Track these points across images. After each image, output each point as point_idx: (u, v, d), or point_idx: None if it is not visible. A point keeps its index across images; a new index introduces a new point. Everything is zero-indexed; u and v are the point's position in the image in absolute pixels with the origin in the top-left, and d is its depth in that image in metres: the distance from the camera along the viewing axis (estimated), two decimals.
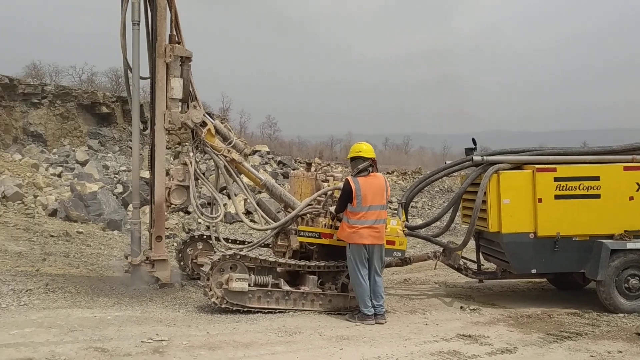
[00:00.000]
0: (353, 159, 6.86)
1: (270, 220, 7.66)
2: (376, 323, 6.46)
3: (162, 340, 5.29)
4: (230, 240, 8.41)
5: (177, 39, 7.53)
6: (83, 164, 22.04)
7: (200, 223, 13.19)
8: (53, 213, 13.84)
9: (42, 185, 16.28)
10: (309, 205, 7.32)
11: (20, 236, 10.89)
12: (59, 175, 19.31)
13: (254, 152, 27.83)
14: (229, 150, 7.62)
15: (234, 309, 6.52)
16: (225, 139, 7.83)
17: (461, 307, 7.48)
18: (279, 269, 6.96)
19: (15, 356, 4.63)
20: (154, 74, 7.50)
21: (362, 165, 6.71)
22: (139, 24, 7.39)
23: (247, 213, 14.00)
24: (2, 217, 12.48)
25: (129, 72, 7.72)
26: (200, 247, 8.43)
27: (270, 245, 7.88)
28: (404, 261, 8.11)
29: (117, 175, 21.03)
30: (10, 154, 20.72)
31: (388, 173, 39.25)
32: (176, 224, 13.65)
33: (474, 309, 7.37)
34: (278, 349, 5.32)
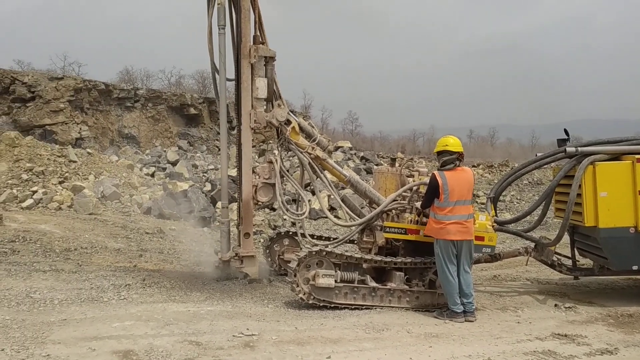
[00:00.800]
0: (440, 152, 6.73)
1: (355, 217, 7.66)
2: (466, 321, 6.31)
3: (252, 334, 5.42)
4: (315, 237, 8.49)
5: (260, 40, 7.67)
6: (174, 163, 22.99)
7: (286, 220, 13.43)
8: (147, 211, 14.56)
9: (137, 185, 17.15)
10: (394, 200, 7.26)
11: (118, 233, 11.52)
12: (152, 175, 20.27)
13: (337, 148, 27.97)
14: (313, 148, 7.69)
15: (321, 304, 6.58)
16: (309, 136, 7.91)
17: (555, 305, 7.16)
18: (365, 266, 6.95)
19: (117, 347, 4.89)
20: (239, 74, 7.69)
21: (449, 159, 6.57)
22: (224, 28, 7.59)
23: (332, 209, 14.09)
24: (102, 216, 13.27)
25: (216, 74, 7.96)
26: (287, 243, 8.57)
27: (356, 242, 7.88)
28: (494, 257, 7.88)
29: (205, 174, 21.80)
30: (108, 156, 21.97)
31: (474, 166, 38.29)
32: (262, 220, 13.96)
33: (569, 307, 7.04)
34: (366, 346, 5.31)
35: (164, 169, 21.99)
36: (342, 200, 7.93)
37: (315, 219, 15.00)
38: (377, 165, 23.33)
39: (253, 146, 8.70)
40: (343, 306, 6.64)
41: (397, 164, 7.87)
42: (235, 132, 8.16)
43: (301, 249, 7.86)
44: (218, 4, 7.47)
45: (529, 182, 26.02)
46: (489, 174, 33.25)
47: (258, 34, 7.72)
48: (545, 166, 8.85)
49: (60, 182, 15.43)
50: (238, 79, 7.74)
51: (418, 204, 7.00)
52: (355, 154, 27.88)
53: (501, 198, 20.65)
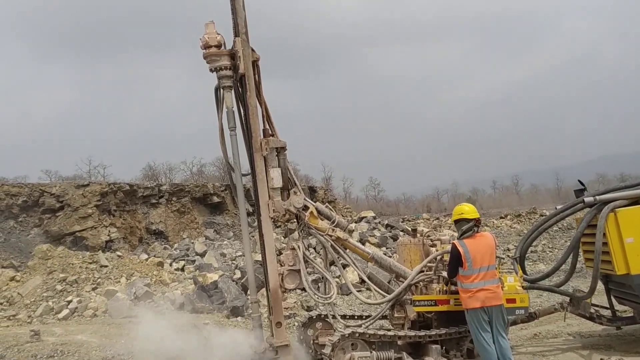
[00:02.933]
0: (457, 221, 6.80)
1: (384, 293, 7.65)
2: None
3: None
4: (347, 317, 8.45)
5: (270, 132, 7.97)
6: (202, 255, 23.18)
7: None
8: (180, 307, 14.61)
9: (168, 282, 17.31)
10: (420, 272, 7.28)
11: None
12: (182, 269, 20.44)
13: (361, 219, 28.01)
14: (333, 230, 7.80)
15: None
16: (328, 218, 8.04)
17: (601, 359, 6.97)
18: (400, 342, 6.89)
19: None
20: (253, 167, 7.93)
21: (467, 227, 6.62)
22: (234, 130, 7.89)
23: (362, 282, 13.99)
24: (137, 318, 13.35)
25: (231, 172, 8.23)
26: (320, 326, 8.52)
27: (388, 318, 7.84)
28: (530, 317, 7.77)
29: (234, 261, 21.90)
30: (137, 255, 22.29)
31: (501, 217, 37.86)
32: (295, 302, 13.91)
33: None
34: None
35: (193, 261, 22.15)
36: (369, 278, 7.96)
37: (347, 294, 14.88)
38: (402, 231, 23.25)
39: (278, 226, 8.86)
40: None
41: (418, 235, 7.93)
42: (254, 226, 8.33)
43: (335, 331, 7.82)
44: (226, 109, 7.80)
45: (560, 229, 25.60)
46: (518, 224, 32.81)
47: (267, 127, 8.02)
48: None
49: (93, 289, 15.67)
50: (254, 172, 7.99)
51: (444, 273, 7.00)
52: (380, 222, 27.85)
53: (532, 249, 20.33)
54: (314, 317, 8.67)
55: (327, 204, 8.38)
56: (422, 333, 6.87)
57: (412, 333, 6.88)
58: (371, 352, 6.60)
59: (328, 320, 8.46)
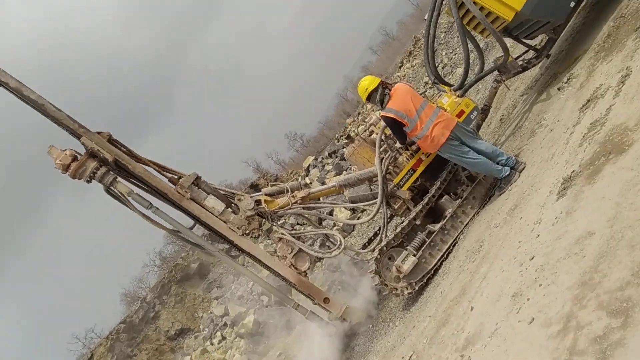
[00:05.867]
0: (369, 98, 6.84)
1: (373, 201, 7.73)
2: (518, 173, 6.31)
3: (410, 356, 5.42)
4: (366, 244, 8.57)
5: (177, 176, 7.72)
6: (224, 314, 22.98)
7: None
8: None
9: (224, 356, 17.10)
10: (380, 161, 7.31)
11: None
12: (224, 338, 20.20)
13: (307, 170, 28.10)
14: (293, 197, 7.77)
15: (425, 280, 6.63)
16: (280, 192, 7.98)
17: (558, 89, 7.20)
18: (418, 222, 7.02)
19: None
20: (192, 215, 7.74)
21: (379, 94, 6.68)
22: (150, 204, 7.55)
23: (352, 210, 14.13)
24: None
25: (180, 235, 8.01)
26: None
27: (394, 214, 7.95)
28: (484, 111, 7.96)
29: (253, 295, 21.76)
30: None
31: (400, 67, 38.59)
32: (324, 274, 13.96)
33: (567, 81, 7.08)
34: (471, 266, 5.30)
35: (225, 324, 21.88)
36: (352, 202, 8.01)
37: (353, 230, 15.02)
38: (343, 148, 23.47)
39: (257, 237, 8.79)
40: (439, 264, 6.69)
41: (355, 138, 7.96)
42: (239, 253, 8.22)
43: (367, 262, 7.93)
44: (129, 196, 7.43)
45: (445, 31, 26.17)
46: (414, 60, 33.52)
47: (169, 175, 7.77)
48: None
49: None
50: (196, 218, 7.79)
51: (398, 144, 7.08)
52: (322, 158, 28.04)
53: (440, 65, 20.81)
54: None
55: (271, 184, 8.28)
56: (424, 200, 6.98)
57: (418, 207, 7.00)
58: (406, 249, 6.69)
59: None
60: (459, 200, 6.88)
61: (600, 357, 2.63)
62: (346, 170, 21.60)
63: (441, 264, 6.66)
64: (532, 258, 4.24)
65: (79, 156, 7.20)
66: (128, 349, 28.28)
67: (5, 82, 7.01)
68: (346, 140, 8.41)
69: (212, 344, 20.71)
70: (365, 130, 8.03)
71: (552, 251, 4.00)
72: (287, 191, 7.91)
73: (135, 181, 7.81)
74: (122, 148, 7.56)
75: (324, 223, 8.36)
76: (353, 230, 14.71)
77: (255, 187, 36.19)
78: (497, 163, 6.40)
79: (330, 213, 8.80)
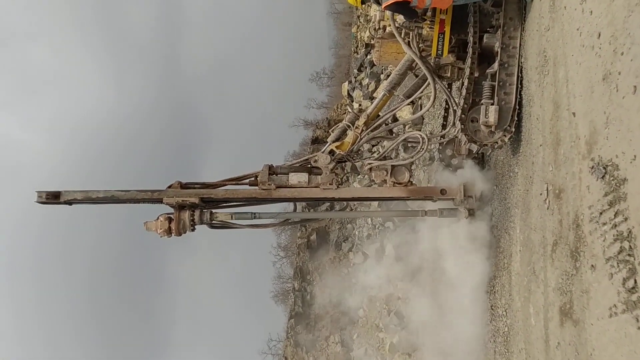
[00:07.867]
0: (363, 1, 6.73)
1: (426, 84, 7.65)
2: None
3: None
4: (444, 123, 8.57)
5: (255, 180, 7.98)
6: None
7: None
8: None
9: None
10: (409, 45, 7.18)
11: None
12: None
13: (348, 95, 27.91)
14: (357, 128, 7.82)
15: (516, 119, 6.58)
16: (344, 132, 8.03)
17: None
18: (476, 74, 6.94)
19: None
20: (290, 199, 7.99)
21: None
22: None
23: (412, 103, 13.97)
24: None
25: (291, 222, 8.31)
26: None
27: (451, 82, 7.89)
28: None
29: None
30: None
31: None
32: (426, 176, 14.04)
33: None
34: None
35: None
36: (408, 96, 7.99)
37: (421, 122, 14.89)
38: (367, 56, 23.08)
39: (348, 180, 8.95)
40: (518, 100, 6.59)
41: (374, 43, 7.88)
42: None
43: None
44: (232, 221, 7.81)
45: None
46: None
47: (247, 180, 8.03)
48: None
49: None
50: (293, 200, 8.05)
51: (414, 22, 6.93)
52: (354, 78, 27.70)
53: None
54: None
55: (331, 130, 8.34)
56: (469, 51, 6.84)
57: (468, 61, 6.86)
58: (483, 105, 6.63)
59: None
60: (499, 29, 6.68)
61: None
62: (382, 74, 21.27)
63: (520, 95, 6.55)
64: (599, 35, 4.12)
65: (171, 216, 7.58)
66: (309, 335, 29.83)
67: (73, 199, 7.45)
68: (365, 49, 8.31)
69: None
70: (377, 30, 7.90)
71: (614, 16, 3.87)
72: (349, 127, 7.97)
73: (226, 205, 8.16)
74: (196, 186, 7.88)
75: (395, 131, 8.37)
76: (424, 119, 14.60)
77: (316, 140, 36.50)
78: None
79: (395, 119, 8.81)
